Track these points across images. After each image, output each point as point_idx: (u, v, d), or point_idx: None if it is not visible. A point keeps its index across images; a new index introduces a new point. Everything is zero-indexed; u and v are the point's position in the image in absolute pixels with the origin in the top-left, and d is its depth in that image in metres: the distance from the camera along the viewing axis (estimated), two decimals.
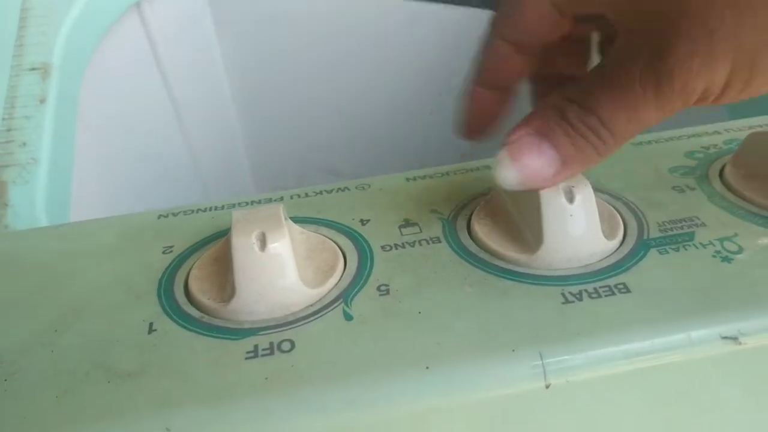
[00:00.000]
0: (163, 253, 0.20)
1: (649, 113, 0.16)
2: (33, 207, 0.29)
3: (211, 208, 0.23)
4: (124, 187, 0.41)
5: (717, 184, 0.21)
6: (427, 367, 0.16)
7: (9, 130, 0.31)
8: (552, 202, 0.18)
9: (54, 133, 0.31)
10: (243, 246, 0.17)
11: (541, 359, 0.16)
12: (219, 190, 0.52)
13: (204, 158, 0.52)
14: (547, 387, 0.16)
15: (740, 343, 0.16)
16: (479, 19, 0.51)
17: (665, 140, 0.24)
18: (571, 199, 0.18)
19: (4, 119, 0.31)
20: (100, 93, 0.39)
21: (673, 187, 0.21)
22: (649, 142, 0.24)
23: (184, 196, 0.47)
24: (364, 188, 0.23)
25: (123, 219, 0.23)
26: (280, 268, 0.17)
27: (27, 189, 0.29)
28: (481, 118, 0.21)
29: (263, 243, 0.17)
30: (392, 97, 0.54)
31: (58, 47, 0.35)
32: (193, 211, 0.23)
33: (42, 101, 0.32)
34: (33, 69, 0.34)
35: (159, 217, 0.23)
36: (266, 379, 0.16)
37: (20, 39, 0.35)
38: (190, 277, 0.19)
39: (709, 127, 0.25)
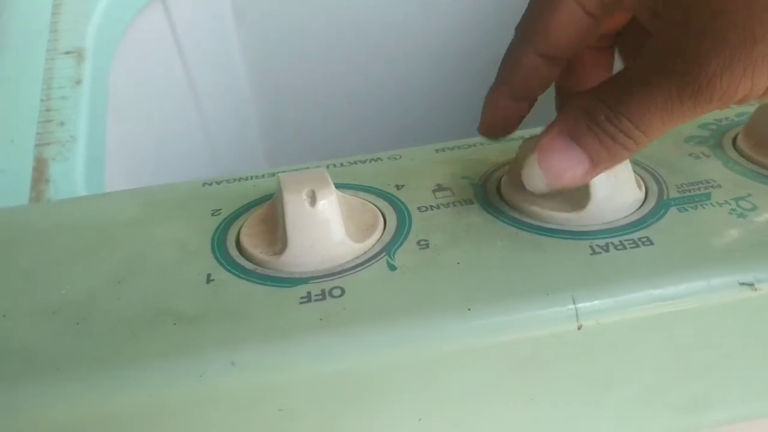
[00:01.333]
0: (212, 215, 0.22)
1: (684, 115, 0.16)
2: (73, 182, 0.30)
3: (252, 177, 0.24)
4: (144, 167, 0.42)
5: (731, 152, 0.22)
6: (469, 309, 0.17)
7: (48, 110, 0.32)
8: None
9: (90, 112, 0.33)
10: (294, 202, 0.18)
11: (574, 303, 0.17)
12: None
13: (220, 142, 0.53)
14: (579, 328, 0.17)
15: (756, 289, 0.18)
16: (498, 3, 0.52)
17: None
18: None
19: (42, 100, 0.33)
20: (124, 77, 0.40)
21: (690, 155, 0.22)
22: None
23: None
24: (395, 158, 0.24)
25: (170, 187, 0.24)
26: (329, 222, 0.19)
27: (67, 165, 0.31)
28: (504, 122, 0.21)
29: (313, 199, 0.19)
30: (409, 82, 0.56)
31: (90, 32, 0.36)
32: (235, 180, 0.24)
33: (78, 82, 0.33)
34: (68, 53, 0.35)
35: (203, 185, 0.24)
36: (320, 319, 0.17)
37: (54, 25, 0.36)
38: (241, 235, 0.20)
39: None
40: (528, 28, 0.20)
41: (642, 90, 0.16)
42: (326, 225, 0.19)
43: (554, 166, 0.18)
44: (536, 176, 0.18)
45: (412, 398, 0.18)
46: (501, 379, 0.18)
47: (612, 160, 0.18)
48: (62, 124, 0.32)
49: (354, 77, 0.55)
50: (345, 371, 0.17)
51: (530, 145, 0.20)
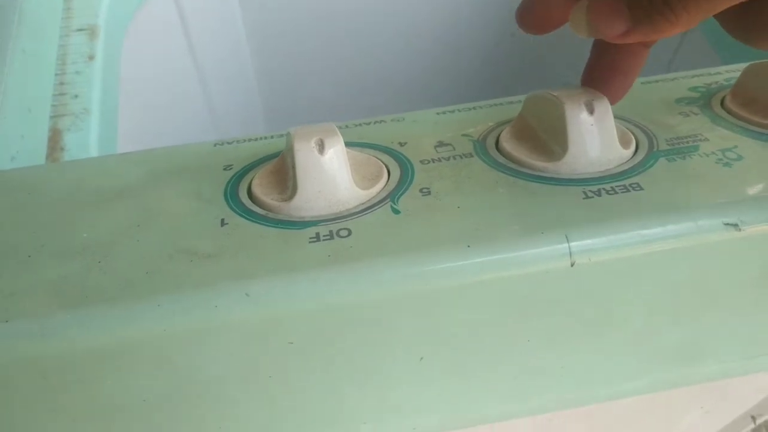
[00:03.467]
0: (224, 170, 0.23)
1: None
2: (86, 152, 0.31)
3: (261, 138, 0.25)
4: (149, 141, 0.43)
5: (719, 110, 0.23)
6: (469, 246, 0.18)
7: (62, 84, 0.33)
8: (575, 114, 0.20)
9: (102, 86, 0.34)
10: (304, 149, 0.20)
11: (567, 241, 0.18)
12: None
13: (223, 121, 0.54)
14: (572, 265, 0.18)
15: (740, 230, 0.19)
16: None
17: (670, 79, 0.27)
18: (591, 111, 0.20)
19: (57, 74, 0.34)
20: (132, 54, 0.41)
21: (679, 113, 0.24)
22: (656, 81, 0.26)
23: None
24: (398, 120, 0.25)
25: (182, 147, 0.25)
26: (337, 169, 0.20)
27: (81, 136, 0.32)
28: (544, 17, 0.22)
29: (321, 147, 0.20)
30: (413, 54, 0.56)
31: (102, 10, 0.37)
32: (245, 140, 0.25)
33: (91, 58, 0.35)
34: (81, 30, 0.36)
35: (215, 145, 0.25)
36: (329, 256, 0.18)
37: (67, 3, 0.37)
38: (253, 185, 0.21)
39: (710, 69, 0.27)
40: None
41: None
42: (334, 172, 0.20)
43: (598, 13, 0.19)
44: (580, 18, 0.19)
45: (415, 336, 0.19)
46: (498, 318, 0.19)
47: (650, 27, 0.18)
48: (76, 97, 0.33)
49: (357, 53, 0.56)
50: (351, 305, 0.18)
51: (531, 101, 0.21)
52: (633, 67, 0.22)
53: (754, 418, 0.36)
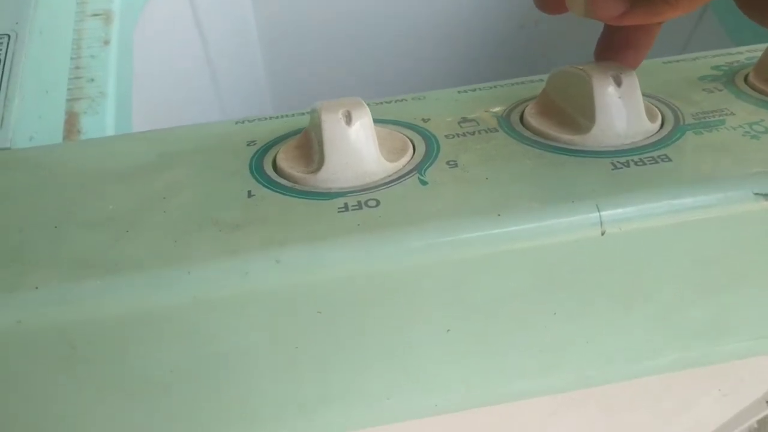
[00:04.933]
0: (247, 145, 0.23)
1: None
2: (103, 134, 0.31)
3: (282, 116, 0.25)
4: (160, 126, 0.43)
5: (743, 86, 0.23)
6: (499, 215, 0.18)
7: (77, 68, 0.33)
8: (603, 86, 0.20)
9: (117, 71, 0.34)
10: (331, 120, 0.19)
11: (598, 210, 0.18)
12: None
13: (232, 108, 0.54)
14: (603, 234, 0.18)
15: None
16: None
17: (692, 59, 0.26)
18: (619, 83, 0.20)
19: (72, 58, 0.34)
20: (143, 41, 0.41)
21: (703, 89, 0.23)
22: (678, 61, 0.26)
23: None
24: (420, 99, 0.25)
25: (204, 125, 0.25)
26: (364, 140, 0.20)
27: (97, 119, 0.32)
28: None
29: (348, 119, 0.20)
30: (424, 35, 0.56)
31: None
32: (266, 119, 0.25)
33: (106, 43, 0.34)
34: (95, 15, 0.36)
35: (236, 123, 0.25)
36: (358, 225, 0.18)
37: None
38: (278, 159, 0.21)
39: (731, 50, 0.27)
40: None
41: None
42: (361, 143, 0.20)
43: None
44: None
45: (442, 307, 0.19)
46: (526, 289, 0.19)
47: (648, 10, 0.18)
48: (92, 80, 0.33)
49: (368, 46, 0.56)
50: (381, 273, 0.18)
51: (555, 77, 0.21)
52: (644, 42, 0.22)
53: None
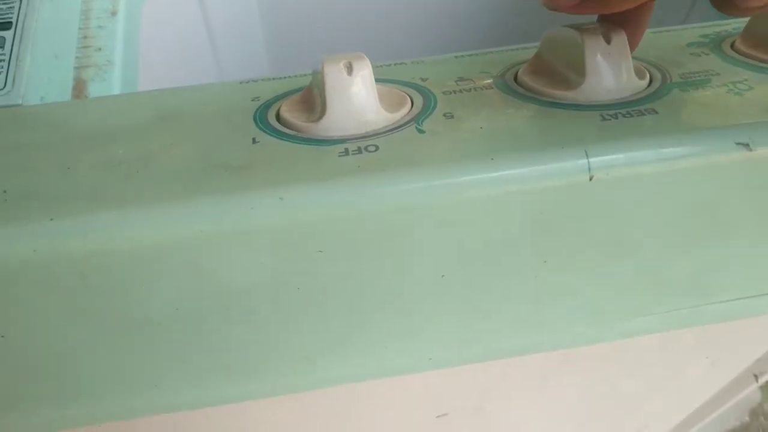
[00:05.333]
0: (252, 100, 0.24)
1: None
2: None
3: (285, 77, 0.26)
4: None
5: (729, 52, 0.24)
6: (492, 159, 0.19)
7: (85, 37, 0.34)
8: (593, 43, 0.21)
9: (124, 40, 0.35)
10: (334, 71, 0.20)
11: (587, 156, 0.19)
12: None
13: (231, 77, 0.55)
14: (591, 179, 0.19)
15: (751, 150, 0.19)
16: None
17: (680, 30, 0.27)
18: (608, 41, 0.21)
19: (80, 28, 0.35)
20: (147, 13, 0.42)
21: (691, 54, 0.24)
22: (667, 31, 0.27)
23: None
24: (418, 63, 0.26)
25: (208, 85, 0.26)
26: (365, 90, 0.21)
27: (104, 85, 0.32)
28: None
29: (350, 69, 0.20)
30: (419, 26, 0.57)
31: None
32: (269, 79, 0.26)
33: (113, 14, 0.35)
34: None
35: (241, 83, 0.26)
36: (358, 167, 0.19)
37: None
38: (281, 110, 0.22)
39: (719, 21, 0.28)
40: None
41: None
42: (361, 93, 0.21)
43: None
44: None
45: (437, 251, 0.20)
46: (518, 234, 0.20)
47: (600, 4, 0.19)
48: (99, 49, 0.34)
49: (364, 25, 0.56)
50: (380, 213, 0.19)
51: (549, 40, 0.22)
52: (641, 18, 0.23)
53: (756, 377, 0.37)
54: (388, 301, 0.21)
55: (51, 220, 0.18)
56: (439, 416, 0.34)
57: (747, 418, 0.93)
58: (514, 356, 0.26)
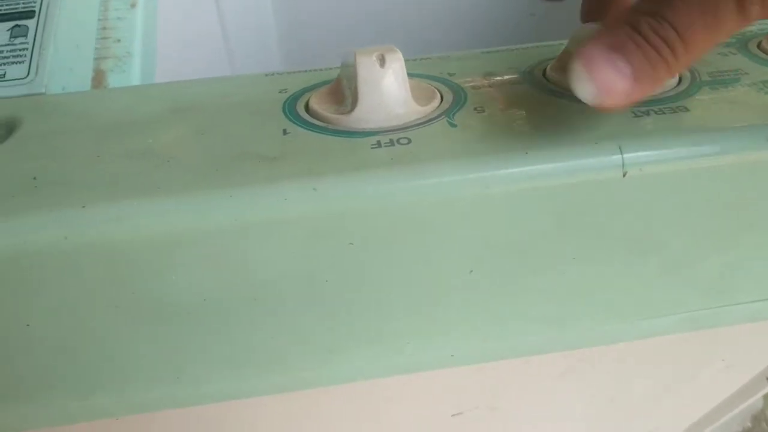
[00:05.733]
0: (279, 92, 0.24)
1: (728, 23, 0.16)
2: None
3: (310, 70, 0.26)
4: None
5: (756, 51, 0.24)
6: (527, 153, 0.19)
7: (104, 28, 0.34)
8: None
9: (143, 32, 0.34)
10: (366, 63, 0.20)
11: (621, 152, 0.19)
12: None
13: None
14: (624, 175, 0.19)
15: None
16: None
17: None
18: None
19: (99, 20, 0.34)
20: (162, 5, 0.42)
21: (717, 53, 0.24)
22: None
23: None
24: (444, 58, 0.26)
25: (233, 77, 0.26)
26: (396, 82, 0.20)
27: (123, 76, 0.32)
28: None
29: (382, 61, 0.20)
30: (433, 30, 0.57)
31: None
32: (295, 72, 0.26)
33: (133, 5, 0.35)
34: None
35: (266, 75, 0.26)
36: (392, 159, 0.19)
37: None
38: (310, 102, 0.22)
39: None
40: None
41: None
42: (394, 85, 0.20)
43: (598, 78, 0.17)
44: (583, 83, 0.18)
45: (468, 244, 0.20)
46: (548, 230, 0.20)
47: (654, 78, 0.17)
48: (119, 41, 0.34)
49: (377, 25, 0.56)
50: (412, 206, 0.19)
51: (577, 38, 0.22)
52: None
53: None
54: (416, 295, 0.21)
55: (83, 207, 0.18)
56: (454, 415, 0.34)
57: (749, 424, 0.93)
58: (537, 354, 0.25)
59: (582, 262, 0.21)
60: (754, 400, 0.43)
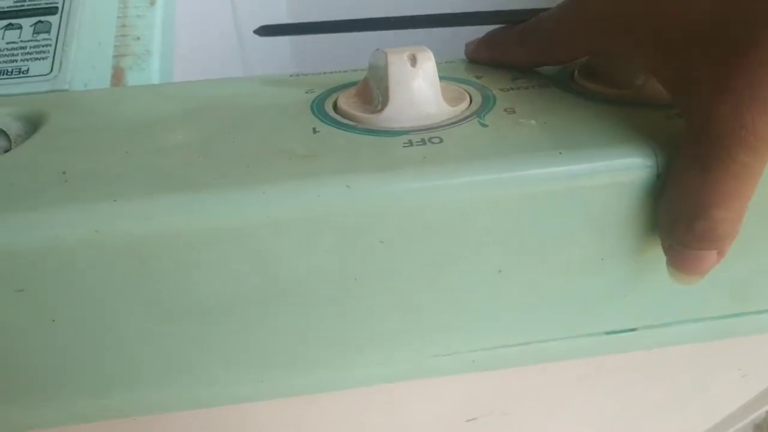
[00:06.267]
0: (306, 92, 0.23)
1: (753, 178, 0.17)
2: None
3: (335, 72, 0.26)
4: None
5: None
6: (560, 153, 0.19)
7: (124, 26, 0.34)
8: None
9: (162, 30, 0.34)
10: (397, 62, 0.20)
11: (655, 155, 0.19)
12: None
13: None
14: (658, 178, 0.19)
15: None
16: None
17: None
18: None
19: (119, 17, 0.34)
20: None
21: None
22: None
23: None
24: (467, 61, 0.26)
25: (258, 76, 0.26)
26: (427, 82, 0.20)
27: (143, 74, 0.32)
28: None
29: (414, 61, 0.20)
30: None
31: None
32: (320, 74, 0.26)
33: (152, 3, 0.35)
34: None
35: (290, 75, 0.26)
36: (424, 158, 0.19)
37: None
38: (339, 102, 0.22)
39: None
40: (532, 48, 0.24)
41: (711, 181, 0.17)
42: (424, 85, 0.20)
43: (690, 270, 0.20)
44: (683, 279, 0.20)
45: (498, 244, 0.20)
46: (578, 232, 0.20)
47: (729, 241, 0.19)
48: (138, 38, 0.34)
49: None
50: (446, 205, 0.19)
51: None
52: None
53: None
54: (444, 295, 0.21)
55: (114, 201, 0.18)
56: (468, 420, 0.34)
57: None
58: (560, 360, 0.25)
59: (610, 265, 0.21)
60: (763, 411, 0.42)
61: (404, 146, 0.19)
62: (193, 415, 0.25)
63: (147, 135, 0.21)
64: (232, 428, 0.27)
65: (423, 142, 0.19)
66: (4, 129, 0.23)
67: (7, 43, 0.27)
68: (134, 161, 0.19)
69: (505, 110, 0.21)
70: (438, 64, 0.26)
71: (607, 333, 0.24)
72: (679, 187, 0.18)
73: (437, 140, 0.20)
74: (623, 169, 0.19)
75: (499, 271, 0.21)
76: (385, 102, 0.20)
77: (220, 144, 0.20)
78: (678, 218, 0.18)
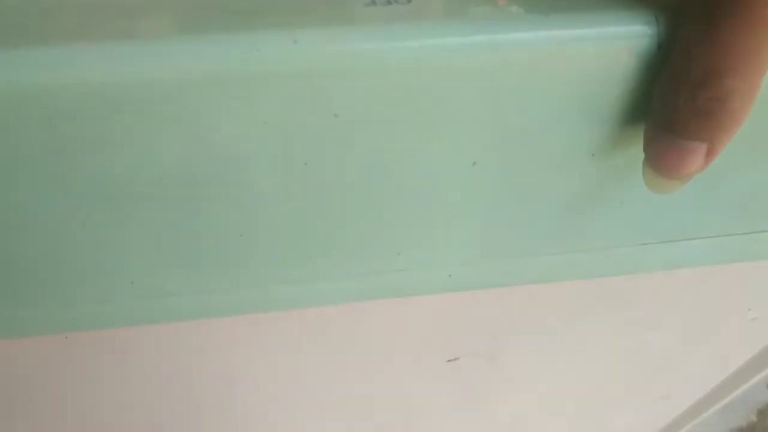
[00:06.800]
0: None
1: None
2: None
3: None
4: None
5: None
6: (547, 16, 0.16)
7: None
8: None
9: None
10: None
11: (657, 23, 0.16)
12: None
13: None
14: (660, 48, 0.16)
15: None
16: None
17: None
18: None
19: None
20: None
21: None
22: None
23: None
24: None
25: None
26: None
27: None
28: None
29: None
30: None
31: None
32: None
33: None
34: None
35: None
36: (388, 16, 0.16)
37: None
38: None
39: None
40: None
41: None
42: None
43: (672, 168, 0.17)
44: (660, 184, 0.17)
45: (472, 127, 0.17)
46: (566, 116, 0.17)
47: (728, 133, 0.16)
48: None
49: None
50: (411, 70, 0.16)
51: None
52: None
53: None
54: (410, 189, 0.18)
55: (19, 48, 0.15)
56: (450, 360, 0.31)
57: (754, 418, 0.91)
58: (548, 281, 0.23)
59: (600, 160, 0.19)
60: (753, 394, 0.40)
61: (366, 5, 0.17)
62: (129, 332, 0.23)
63: None
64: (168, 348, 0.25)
65: (388, 2, 0.17)
66: None
67: None
68: (53, 17, 0.17)
69: None
70: None
71: (603, 249, 0.22)
72: (683, 52, 0.15)
73: (404, 1, 0.17)
74: (620, 38, 0.16)
75: (474, 164, 0.18)
76: None
77: (152, 3, 0.17)
78: (678, 91, 0.15)
